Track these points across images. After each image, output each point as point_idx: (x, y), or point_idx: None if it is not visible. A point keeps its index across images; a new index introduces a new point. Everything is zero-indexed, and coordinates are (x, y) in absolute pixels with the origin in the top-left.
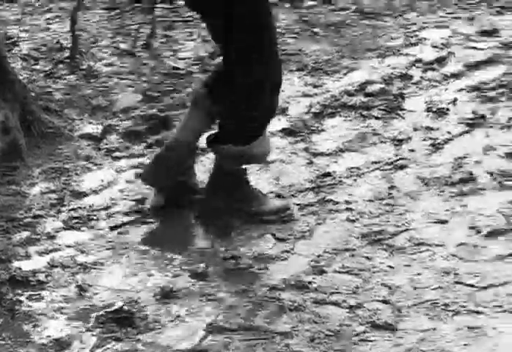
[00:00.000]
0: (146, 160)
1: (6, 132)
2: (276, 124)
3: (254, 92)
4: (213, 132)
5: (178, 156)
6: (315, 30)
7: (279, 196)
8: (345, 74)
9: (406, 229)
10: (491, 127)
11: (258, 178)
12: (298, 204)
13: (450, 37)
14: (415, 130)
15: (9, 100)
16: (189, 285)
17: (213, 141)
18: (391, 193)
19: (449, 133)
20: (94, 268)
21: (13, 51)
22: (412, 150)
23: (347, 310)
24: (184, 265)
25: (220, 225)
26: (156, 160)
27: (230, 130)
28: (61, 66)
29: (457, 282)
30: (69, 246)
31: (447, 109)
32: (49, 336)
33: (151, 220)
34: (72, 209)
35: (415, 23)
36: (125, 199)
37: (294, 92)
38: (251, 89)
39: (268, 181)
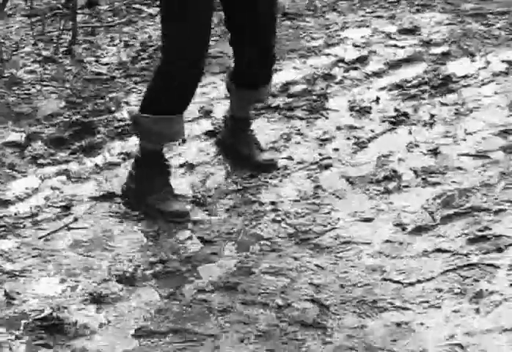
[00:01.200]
0: (70, 167)
1: None
2: (201, 126)
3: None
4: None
5: None
6: None
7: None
8: None
9: (332, 228)
10: (414, 124)
11: (183, 180)
12: (227, 208)
13: (371, 36)
14: (339, 129)
15: None
16: (117, 290)
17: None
18: (316, 193)
19: (372, 131)
20: (22, 276)
21: None
22: (336, 149)
23: (275, 310)
24: (112, 270)
25: (146, 229)
26: None
27: (143, 97)
28: None
29: (384, 279)
30: None
31: (370, 108)
32: None
33: (77, 226)
34: None
35: (336, 23)
36: (50, 206)
37: (218, 94)
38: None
39: (193, 183)
